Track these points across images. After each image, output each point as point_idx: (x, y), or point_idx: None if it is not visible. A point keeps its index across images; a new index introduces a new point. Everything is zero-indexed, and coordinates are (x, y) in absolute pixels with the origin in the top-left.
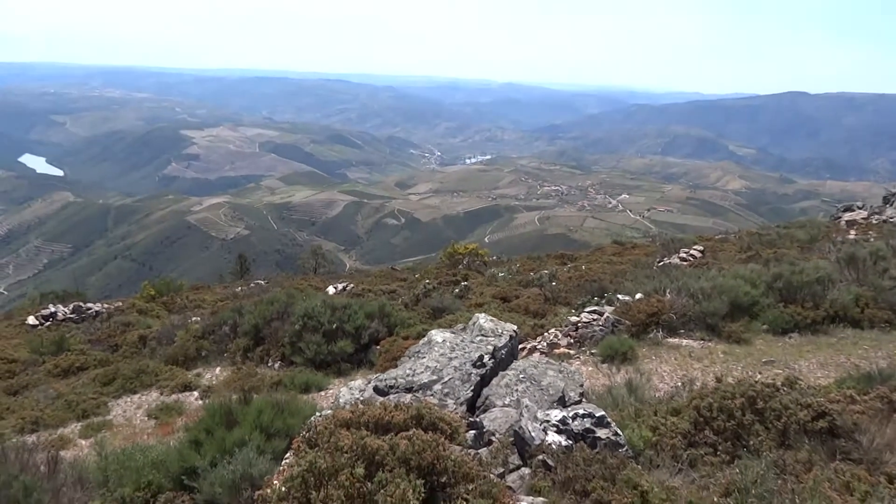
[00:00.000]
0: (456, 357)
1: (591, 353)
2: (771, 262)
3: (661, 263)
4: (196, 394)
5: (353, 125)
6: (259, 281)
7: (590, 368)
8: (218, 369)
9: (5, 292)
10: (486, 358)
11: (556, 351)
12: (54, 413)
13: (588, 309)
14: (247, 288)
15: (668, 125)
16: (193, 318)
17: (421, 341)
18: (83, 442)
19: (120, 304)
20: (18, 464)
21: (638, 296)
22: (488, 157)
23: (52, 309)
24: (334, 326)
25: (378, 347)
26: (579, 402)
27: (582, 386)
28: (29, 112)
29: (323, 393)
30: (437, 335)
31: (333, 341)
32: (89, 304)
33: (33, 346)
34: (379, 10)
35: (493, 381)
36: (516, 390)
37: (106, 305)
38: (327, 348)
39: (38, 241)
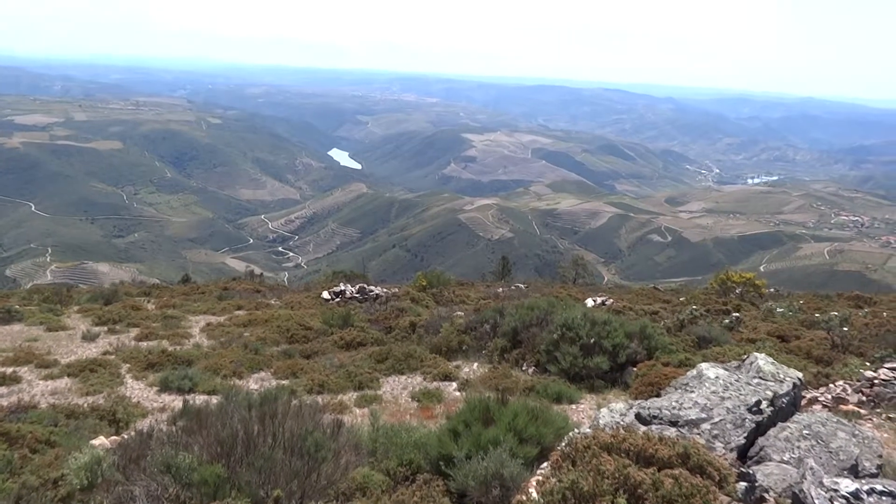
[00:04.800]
0: (729, 397)
1: (889, 418)
2: None
3: None
4: (455, 385)
5: (628, 136)
6: (519, 284)
7: (885, 435)
8: (476, 365)
9: (304, 266)
10: (765, 404)
11: (843, 407)
12: (337, 380)
13: (888, 364)
14: (507, 289)
15: None
16: (458, 313)
17: (689, 373)
18: (357, 411)
19: (396, 290)
20: (312, 421)
21: None
22: (774, 178)
23: (342, 287)
24: (592, 341)
25: (635, 370)
26: (876, 475)
27: (881, 457)
28: (340, 112)
29: (574, 406)
30: (710, 370)
31: (590, 356)
32: (371, 287)
33: (325, 318)
34: (664, 21)
35: (771, 432)
36: (798, 447)
37: (384, 290)
38: (583, 362)
39: (334, 224)
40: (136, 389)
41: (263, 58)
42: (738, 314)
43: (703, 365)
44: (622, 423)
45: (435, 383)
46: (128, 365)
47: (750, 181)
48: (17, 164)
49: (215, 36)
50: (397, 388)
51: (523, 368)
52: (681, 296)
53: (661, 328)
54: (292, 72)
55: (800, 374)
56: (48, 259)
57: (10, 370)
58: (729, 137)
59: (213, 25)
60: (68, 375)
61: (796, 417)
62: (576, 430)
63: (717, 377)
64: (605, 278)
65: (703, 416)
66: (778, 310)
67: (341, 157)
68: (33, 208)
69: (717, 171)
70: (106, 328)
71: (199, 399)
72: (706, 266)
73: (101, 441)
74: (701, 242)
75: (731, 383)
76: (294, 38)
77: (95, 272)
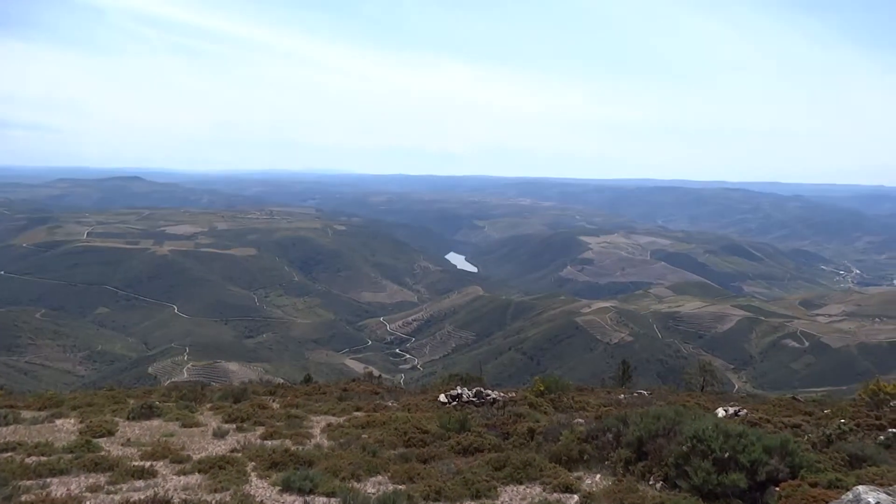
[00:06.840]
0: None
1: None
2: None
3: None
4: (576, 498)
5: (753, 236)
6: (642, 391)
7: None
8: (598, 476)
9: (420, 368)
10: None
11: None
12: (454, 487)
13: None
14: (629, 396)
15: None
16: (578, 420)
17: (844, 497)
18: None
19: (513, 394)
20: None
21: None
22: None
23: (459, 391)
24: (726, 455)
25: (778, 489)
26: None
27: None
28: (457, 217)
29: None
30: (869, 494)
31: (724, 472)
32: (488, 391)
33: (442, 422)
34: (784, 117)
35: None
36: None
37: (501, 394)
38: (717, 479)
39: (450, 327)
40: (260, 488)
41: (386, 167)
42: (895, 430)
43: (861, 488)
44: None
45: (555, 495)
46: (253, 463)
47: None
48: (165, 270)
49: (345, 149)
50: (516, 499)
51: (650, 482)
52: (825, 408)
53: (804, 443)
54: (412, 180)
55: None
56: (185, 358)
57: (147, 464)
58: (869, 235)
59: (345, 141)
60: (199, 471)
61: None
62: None
63: (878, 503)
64: (736, 386)
65: None
66: None
67: (458, 260)
68: (176, 310)
69: (857, 271)
70: (235, 426)
71: (318, 501)
72: (851, 375)
73: None
74: (843, 349)
75: None
76: (415, 149)
77: (226, 371)
